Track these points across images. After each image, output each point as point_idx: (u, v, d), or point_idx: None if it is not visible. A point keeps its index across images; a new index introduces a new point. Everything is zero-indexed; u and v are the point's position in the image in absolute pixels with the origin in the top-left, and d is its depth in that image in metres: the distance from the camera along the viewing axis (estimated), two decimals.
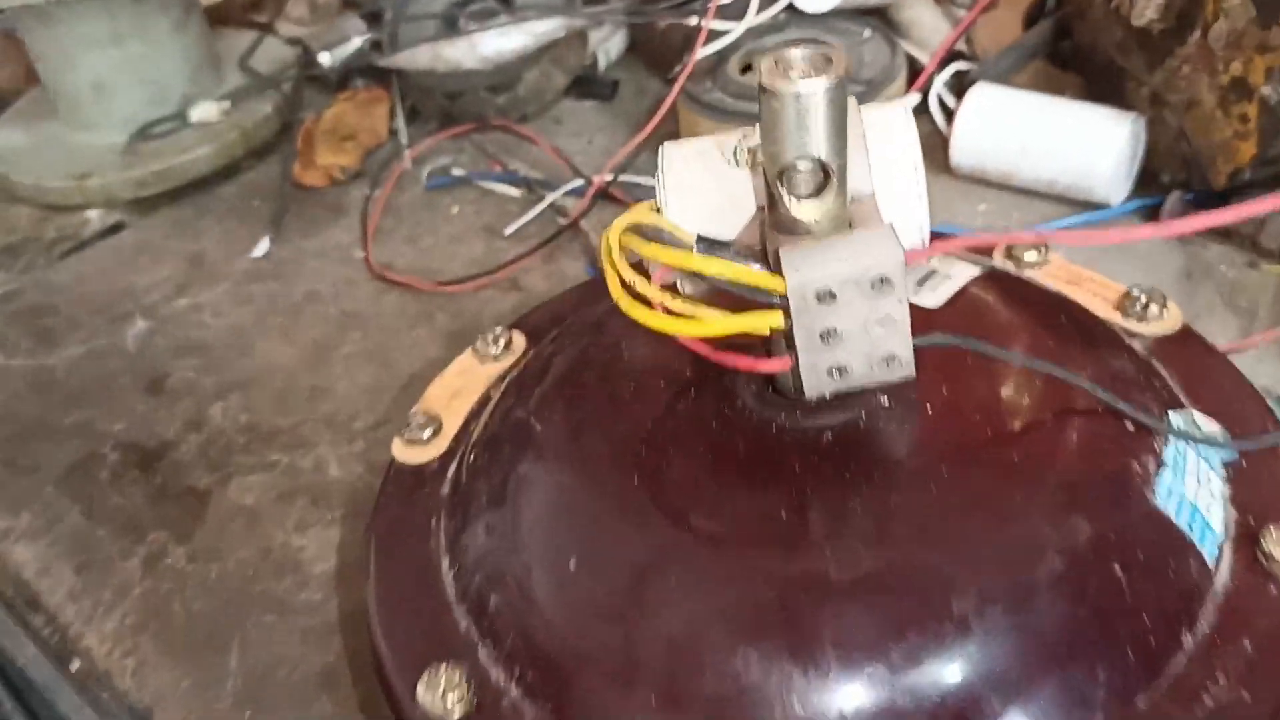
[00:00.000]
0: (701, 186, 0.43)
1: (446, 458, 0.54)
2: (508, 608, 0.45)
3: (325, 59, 0.98)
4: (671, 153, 0.44)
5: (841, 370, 0.40)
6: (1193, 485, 0.43)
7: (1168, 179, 0.74)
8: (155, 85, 0.94)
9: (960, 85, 0.82)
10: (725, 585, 0.41)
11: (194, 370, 0.76)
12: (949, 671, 0.37)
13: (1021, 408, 0.44)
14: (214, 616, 0.59)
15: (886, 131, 0.42)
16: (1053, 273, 0.56)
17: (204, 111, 0.93)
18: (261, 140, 0.95)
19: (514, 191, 0.89)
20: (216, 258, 0.87)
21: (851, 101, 0.40)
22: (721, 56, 0.85)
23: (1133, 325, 0.52)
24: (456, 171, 0.92)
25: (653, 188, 0.43)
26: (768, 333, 0.41)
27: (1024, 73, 0.84)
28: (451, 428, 0.56)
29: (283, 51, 1.03)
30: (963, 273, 0.52)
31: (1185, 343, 0.52)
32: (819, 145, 0.37)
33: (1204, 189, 0.72)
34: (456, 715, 0.42)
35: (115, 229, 0.92)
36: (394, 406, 0.70)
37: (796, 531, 0.41)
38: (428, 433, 0.55)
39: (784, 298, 0.38)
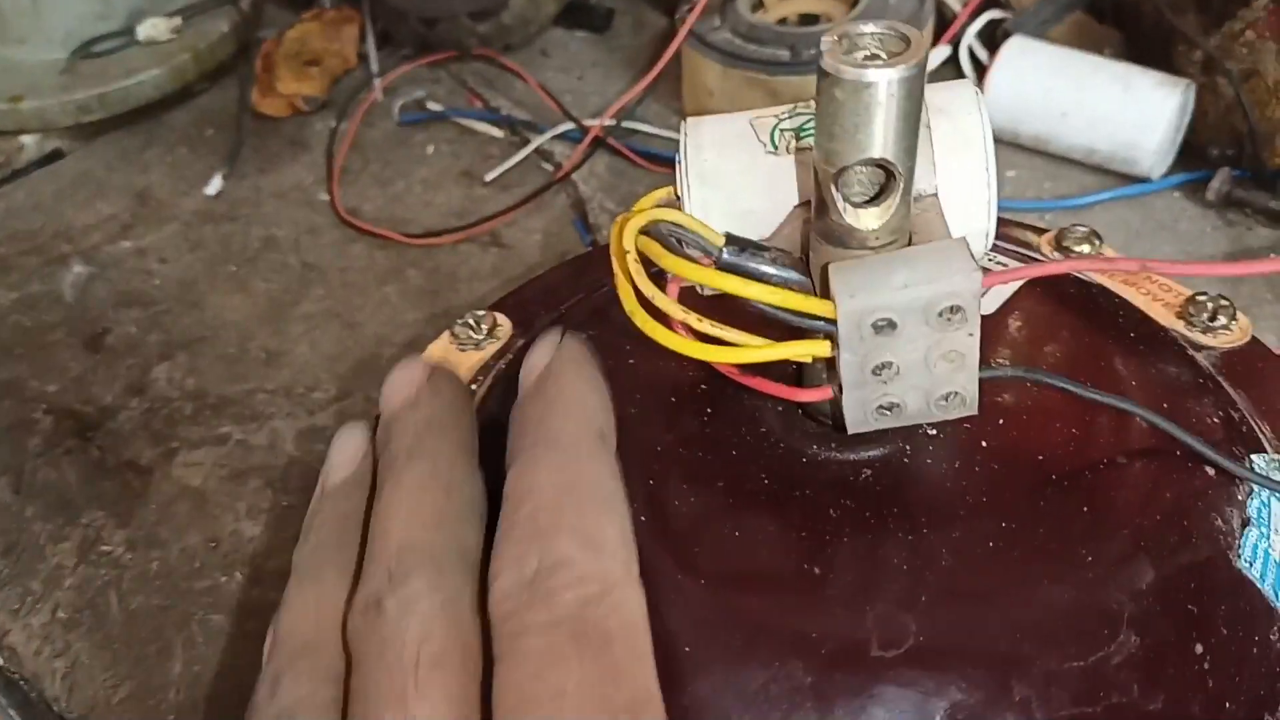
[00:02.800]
0: (732, 174, 0.38)
1: None
2: None
3: None
4: (697, 132, 0.38)
5: (893, 407, 0.35)
6: (1279, 542, 0.38)
7: (1216, 153, 0.70)
8: None
9: (993, 37, 0.77)
10: (748, 657, 0.35)
11: (137, 325, 0.71)
12: None
13: (1089, 446, 0.39)
14: (154, 614, 0.55)
15: (952, 117, 0.37)
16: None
17: (153, 28, 0.87)
18: (216, 62, 0.89)
19: (496, 132, 0.84)
20: (164, 194, 0.81)
21: None
22: None
23: (1198, 337, 0.47)
24: (432, 106, 0.87)
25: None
26: (809, 361, 0.36)
27: (1062, 24, 0.79)
28: None
29: None
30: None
31: (1255, 358, 0.47)
32: (886, 145, 0.32)
33: (1256, 167, 0.68)
34: None
35: (52, 157, 0.86)
36: (359, 376, 0.66)
37: (829, 589, 0.36)
38: None
39: (833, 323, 0.33)
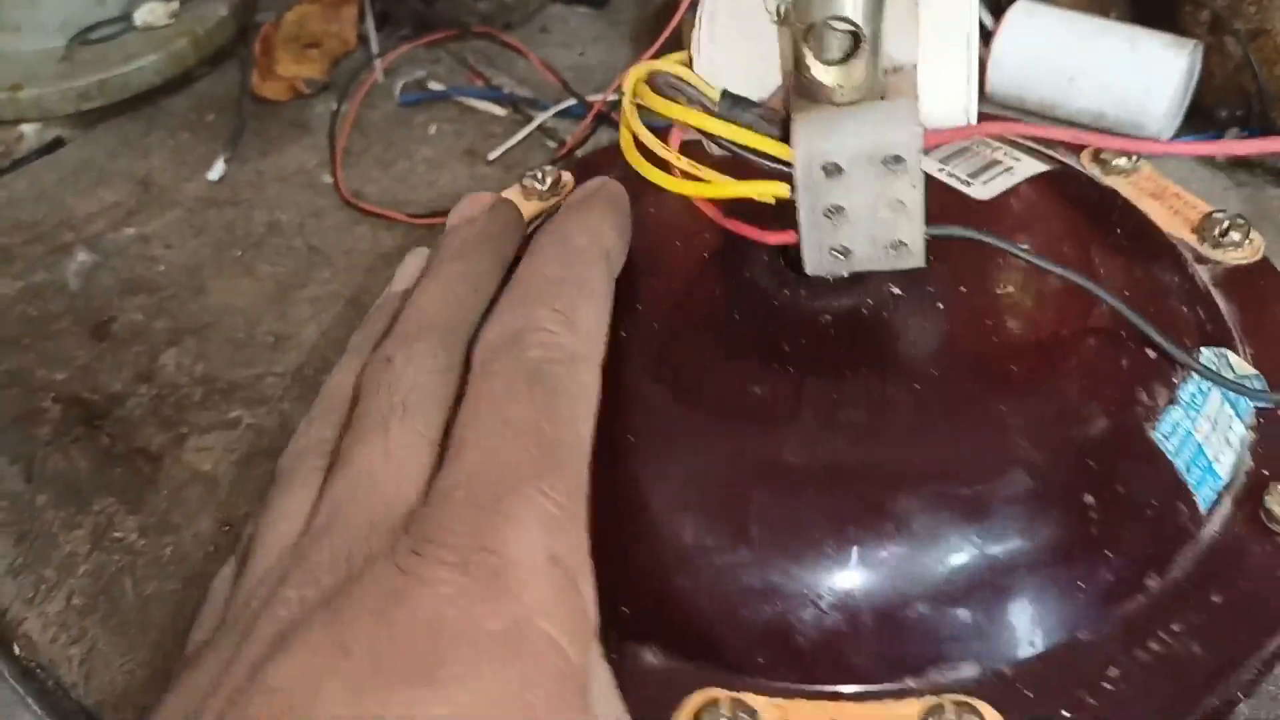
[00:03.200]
0: (739, 40, 0.41)
1: None
2: None
3: None
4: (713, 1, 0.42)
5: (845, 251, 0.40)
6: (1205, 427, 0.41)
7: (1225, 114, 0.70)
8: None
9: (998, 2, 0.77)
10: (683, 454, 0.41)
11: (143, 312, 0.71)
12: (877, 576, 0.37)
13: (1039, 316, 0.43)
14: (169, 599, 0.55)
15: None
16: (1139, 182, 0.54)
17: (150, 13, 0.86)
18: (215, 47, 0.89)
19: (498, 110, 0.84)
20: (167, 180, 0.81)
21: None
22: None
23: (1206, 250, 0.50)
24: (434, 85, 0.87)
25: (671, 89, 0.41)
26: (773, 202, 0.40)
27: None
28: None
29: None
30: (1027, 168, 0.50)
31: (1258, 276, 0.50)
32: (852, 5, 0.36)
33: (1265, 127, 0.68)
34: None
35: (53, 146, 0.86)
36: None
37: (761, 410, 0.41)
38: None
39: (791, 165, 0.38)
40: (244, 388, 0.65)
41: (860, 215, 0.38)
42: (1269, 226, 0.66)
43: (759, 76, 0.41)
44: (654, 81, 0.40)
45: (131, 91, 0.85)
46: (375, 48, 0.89)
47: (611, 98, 0.78)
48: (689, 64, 0.42)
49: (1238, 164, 0.69)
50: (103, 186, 0.81)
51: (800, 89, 0.38)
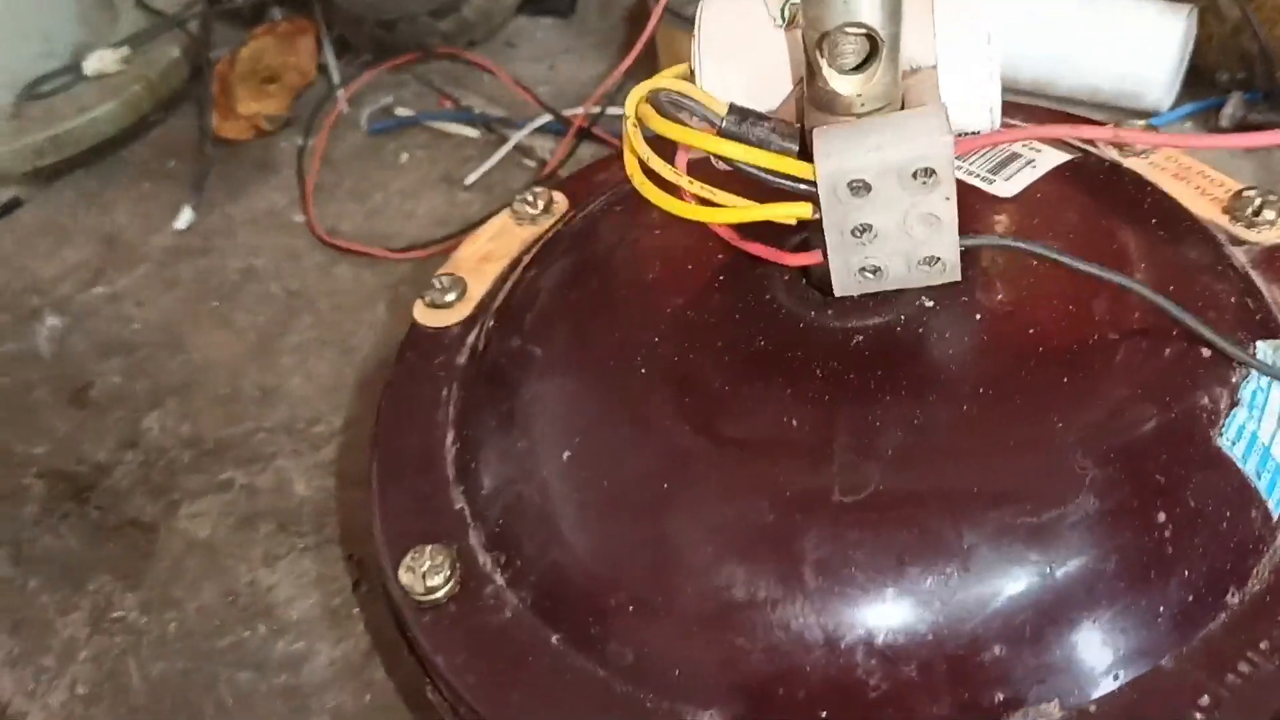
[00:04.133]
0: (742, 49, 0.39)
1: (468, 324, 0.52)
2: (500, 492, 0.43)
3: None
4: (710, 9, 0.40)
5: (876, 270, 0.38)
6: (1270, 427, 0.39)
7: (1225, 78, 0.68)
8: (39, 34, 0.84)
9: None
10: (719, 494, 0.39)
11: (121, 375, 0.68)
12: (946, 613, 0.35)
13: (1083, 322, 0.40)
14: (178, 679, 0.53)
15: None
16: (1160, 163, 0.52)
17: (100, 61, 0.84)
18: (170, 90, 0.86)
19: (471, 132, 0.82)
20: (133, 234, 0.79)
21: None
22: None
23: (1240, 231, 0.48)
24: (401, 111, 0.84)
25: (675, 107, 0.38)
26: (794, 223, 0.37)
27: None
28: (478, 292, 0.53)
29: None
30: (1049, 159, 0.47)
31: None
32: (869, 9, 0.33)
33: (1269, 88, 0.66)
34: (435, 597, 0.41)
35: (10, 207, 0.83)
36: (360, 403, 0.63)
37: (803, 442, 0.38)
38: (452, 295, 0.53)
39: (814, 185, 0.35)
40: (234, 446, 0.63)
41: (891, 232, 0.36)
42: None
43: (765, 85, 0.39)
44: (656, 100, 0.38)
45: (87, 144, 0.82)
46: (336, 77, 0.87)
47: (593, 110, 0.76)
48: (690, 77, 0.40)
49: (1246, 129, 0.67)
50: (66, 246, 0.78)
51: (815, 100, 0.36)
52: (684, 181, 0.37)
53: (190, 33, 0.87)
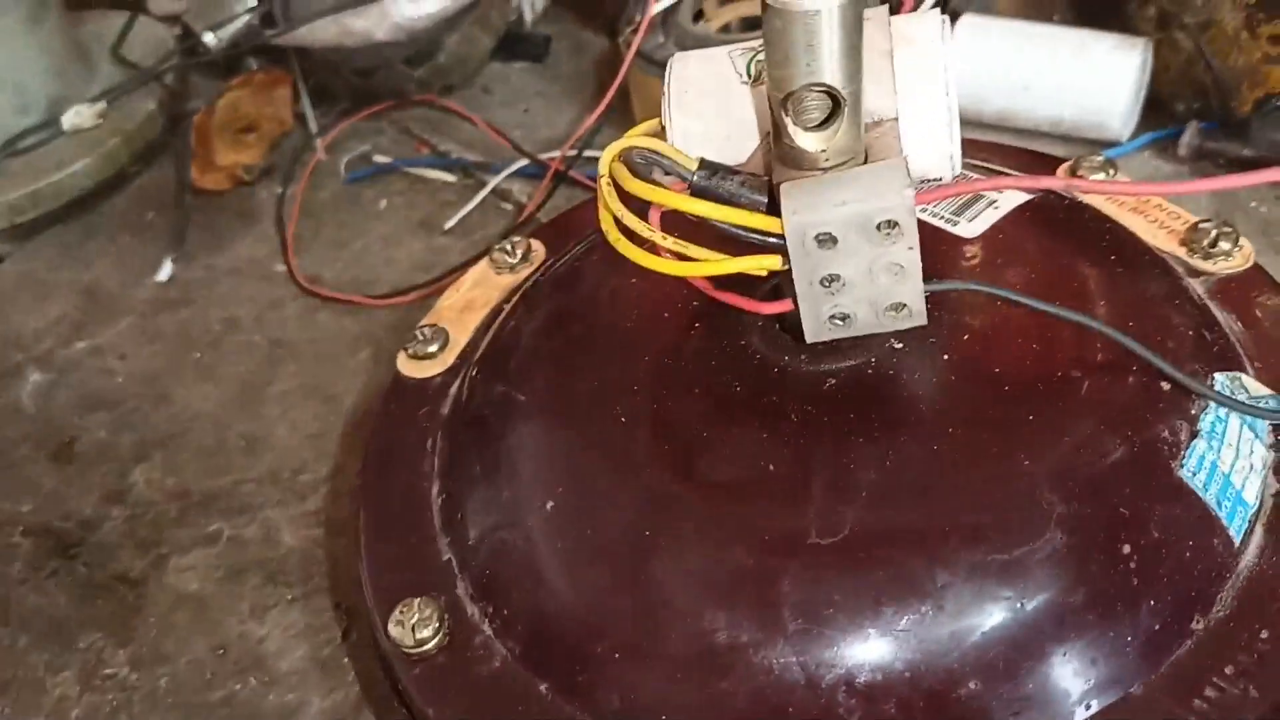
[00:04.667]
0: (711, 104, 0.41)
1: (451, 373, 0.53)
2: (486, 542, 0.44)
3: (210, 39, 0.89)
4: (679, 66, 0.41)
5: (845, 317, 0.39)
6: (1229, 456, 0.40)
7: (1182, 107, 0.70)
8: (15, 90, 0.84)
9: None
10: (698, 540, 0.40)
11: (105, 429, 0.69)
12: (923, 651, 0.36)
13: (1047, 359, 0.42)
14: None
15: (915, 45, 0.39)
16: (1118, 196, 0.53)
17: (78, 116, 0.84)
18: (148, 142, 0.87)
19: (448, 177, 0.83)
20: (114, 287, 0.79)
21: (881, 11, 0.39)
22: (672, 5, 0.78)
23: (1198, 263, 0.49)
24: (379, 159, 0.85)
25: (647, 164, 0.39)
26: (765, 275, 0.39)
27: None
28: (460, 341, 0.54)
29: (159, 33, 0.94)
30: (1011, 199, 0.49)
31: (1252, 285, 0.49)
32: (829, 70, 0.35)
33: (1225, 117, 0.68)
34: (424, 649, 0.42)
35: None
36: (345, 451, 0.64)
37: (779, 486, 0.40)
38: (434, 346, 0.54)
39: (782, 238, 0.37)
40: (221, 498, 0.63)
41: (858, 281, 0.37)
42: (1242, 218, 0.67)
43: (735, 139, 0.40)
44: (628, 158, 0.39)
45: (66, 199, 0.83)
46: (314, 126, 0.88)
47: (569, 153, 0.77)
48: (662, 132, 0.41)
49: (1203, 157, 0.68)
50: (47, 301, 0.79)
51: (782, 155, 0.38)
52: (658, 237, 0.38)
53: (166, 85, 0.88)
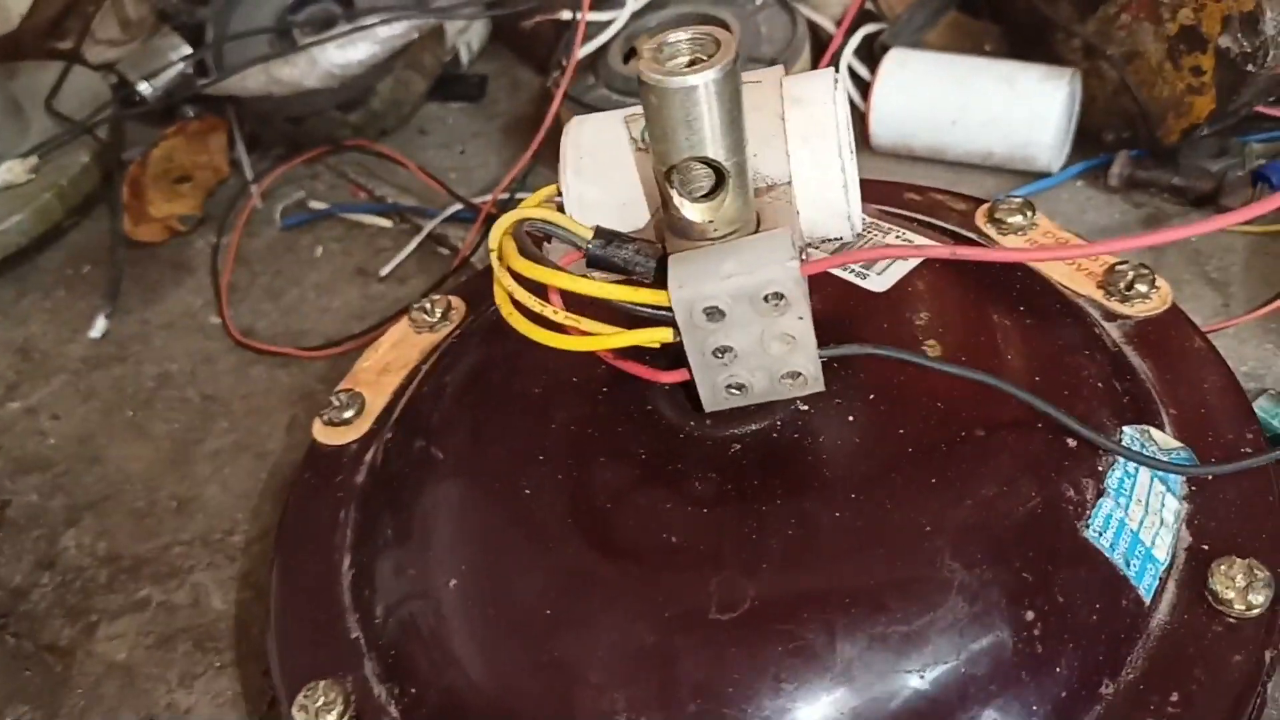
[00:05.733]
0: (607, 170, 0.40)
1: (367, 440, 0.52)
2: (393, 619, 0.43)
3: (145, 88, 0.88)
4: (576, 130, 0.41)
5: (741, 387, 0.39)
6: (1138, 513, 0.40)
7: (1111, 137, 0.70)
8: None
9: (872, 51, 0.76)
10: (601, 616, 0.39)
11: (37, 492, 0.68)
12: None
13: (952, 419, 0.41)
14: None
15: (806, 106, 0.39)
16: (1038, 239, 0.53)
17: (9, 172, 0.83)
18: (82, 195, 0.86)
19: (385, 222, 0.82)
20: (47, 345, 0.78)
21: (775, 72, 0.39)
22: (601, 46, 0.78)
23: (1115, 306, 0.49)
24: (315, 205, 0.85)
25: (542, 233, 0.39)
26: (658, 347, 0.38)
27: (938, 27, 0.78)
28: (376, 406, 0.53)
29: (94, 83, 0.93)
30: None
31: (1169, 327, 0.49)
32: (710, 144, 0.34)
33: (1153, 146, 0.68)
34: None
35: None
36: (274, 510, 0.63)
37: (680, 559, 0.39)
38: (350, 412, 0.53)
39: (671, 311, 0.36)
40: (150, 562, 0.62)
41: (750, 352, 0.37)
42: (1172, 249, 0.67)
43: (631, 204, 0.40)
44: (519, 232, 0.38)
45: (0, 256, 0.82)
46: (250, 173, 0.87)
47: (501, 197, 0.77)
48: (558, 197, 0.41)
49: (1134, 186, 0.68)
50: None
51: (671, 225, 0.37)
52: (549, 312, 0.38)
53: (99, 137, 0.87)
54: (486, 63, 0.95)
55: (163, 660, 0.57)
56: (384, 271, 0.77)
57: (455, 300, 0.57)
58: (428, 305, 0.56)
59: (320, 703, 0.40)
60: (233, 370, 0.73)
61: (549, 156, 0.79)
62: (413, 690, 0.40)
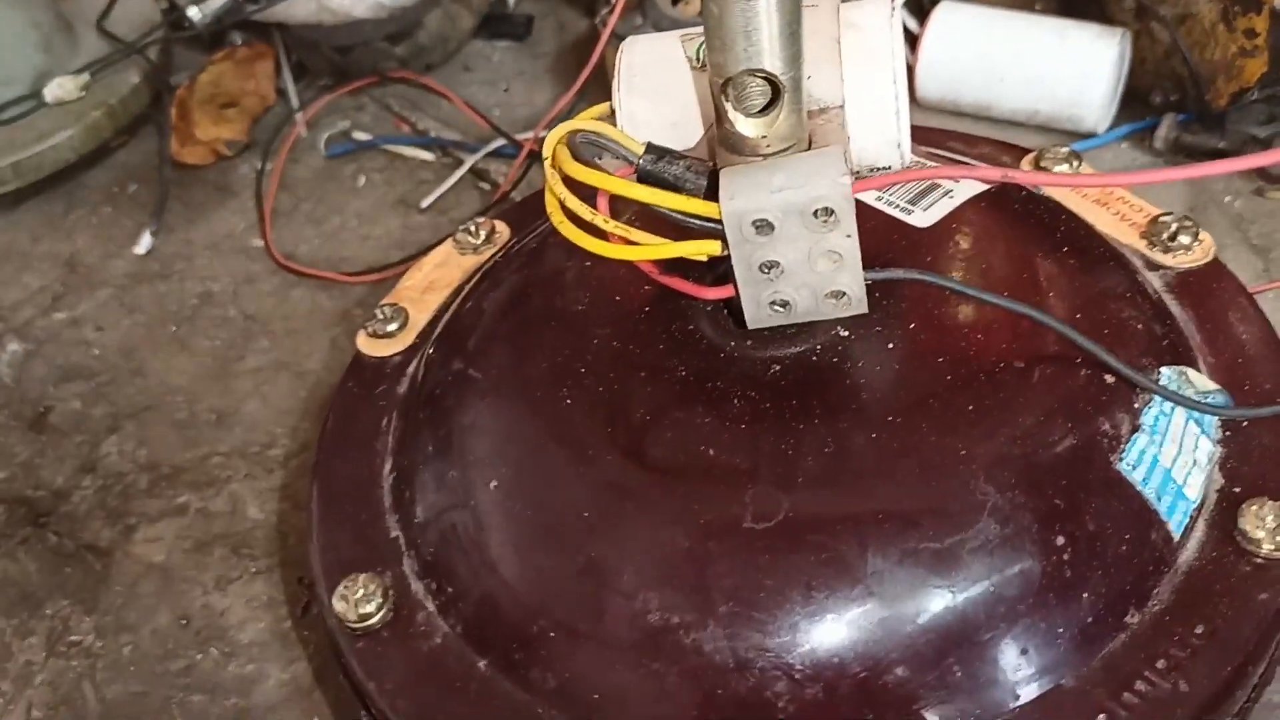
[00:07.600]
0: (661, 88, 0.41)
1: (410, 353, 0.53)
2: (433, 520, 0.44)
3: (194, 14, 0.88)
4: (630, 49, 0.42)
5: (785, 304, 0.39)
6: (1171, 451, 0.40)
7: (1159, 100, 0.70)
8: None
9: (921, 4, 0.76)
10: (637, 523, 0.40)
11: (80, 400, 0.69)
12: (851, 636, 0.36)
13: (991, 350, 0.42)
14: (132, 702, 0.54)
15: (862, 31, 0.39)
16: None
17: (60, 88, 0.84)
18: (131, 116, 0.86)
19: (427, 155, 0.83)
20: (93, 259, 0.79)
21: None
22: None
23: (1157, 256, 0.49)
24: (359, 135, 0.85)
25: (595, 147, 0.40)
26: (705, 260, 0.39)
27: None
28: (420, 321, 0.54)
29: (144, 6, 0.93)
30: (967, 189, 0.49)
31: (1211, 279, 0.49)
32: (768, 56, 0.35)
33: (1201, 110, 0.68)
34: (368, 624, 0.42)
35: None
36: (313, 426, 0.64)
37: (718, 471, 0.40)
38: (394, 325, 0.54)
39: (720, 223, 0.37)
40: (190, 470, 0.64)
41: (796, 268, 0.38)
42: (1214, 209, 0.67)
43: (684, 123, 0.40)
44: (572, 142, 0.39)
45: (48, 170, 0.83)
46: (295, 101, 0.88)
47: (544, 134, 0.77)
48: (611, 115, 0.41)
49: (1179, 150, 0.68)
50: (27, 272, 0.79)
51: (724, 141, 0.38)
52: (600, 221, 0.38)
53: (150, 59, 0.88)
54: (532, 3, 0.95)
55: (199, 564, 0.59)
56: (425, 203, 0.78)
57: (500, 224, 0.58)
58: (472, 228, 0.57)
59: (360, 594, 0.42)
60: (274, 292, 0.74)
61: (594, 95, 0.80)
62: (449, 588, 0.42)
